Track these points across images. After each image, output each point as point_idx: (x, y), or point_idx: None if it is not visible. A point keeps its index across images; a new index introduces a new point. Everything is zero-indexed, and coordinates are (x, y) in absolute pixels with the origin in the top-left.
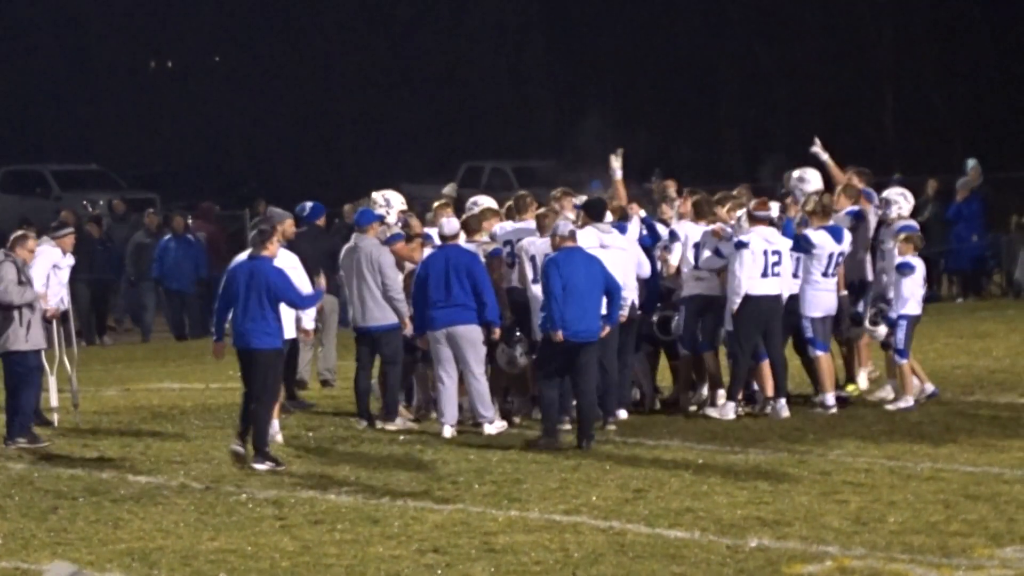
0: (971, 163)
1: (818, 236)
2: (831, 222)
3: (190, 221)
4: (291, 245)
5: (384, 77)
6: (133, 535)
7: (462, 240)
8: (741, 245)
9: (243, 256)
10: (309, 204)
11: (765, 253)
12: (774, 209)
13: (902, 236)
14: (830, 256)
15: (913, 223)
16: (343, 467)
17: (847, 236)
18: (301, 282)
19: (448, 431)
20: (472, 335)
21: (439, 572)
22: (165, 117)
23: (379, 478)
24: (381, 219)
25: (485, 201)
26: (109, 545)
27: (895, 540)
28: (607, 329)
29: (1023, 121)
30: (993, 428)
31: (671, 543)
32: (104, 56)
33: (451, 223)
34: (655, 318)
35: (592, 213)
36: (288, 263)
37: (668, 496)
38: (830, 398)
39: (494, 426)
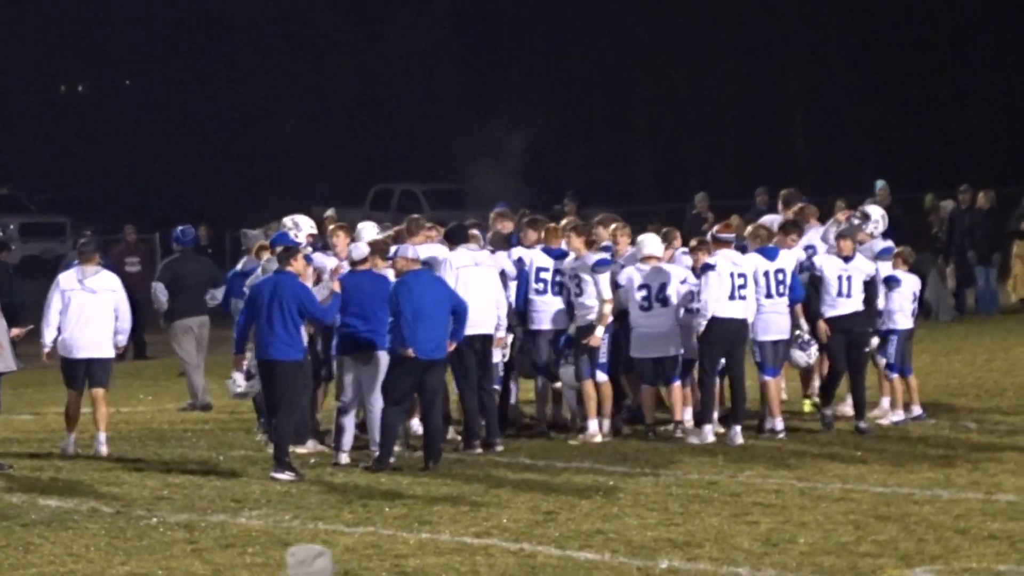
0: (880, 184)
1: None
2: (772, 244)
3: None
4: (173, 267)
5: (296, 99)
6: (44, 560)
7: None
8: (708, 267)
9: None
10: (181, 228)
11: (732, 276)
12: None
13: (895, 251)
14: (765, 275)
15: (890, 243)
16: (254, 490)
17: (784, 255)
18: (122, 304)
19: (344, 458)
20: (379, 361)
21: None
22: (77, 141)
23: (290, 501)
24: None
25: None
26: (19, 570)
27: (805, 561)
28: (453, 344)
29: (932, 142)
30: (902, 449)
31: (582, 565)
32: (14, 80)
33: (359, 248)
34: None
35: (454, 238)
36: (111, 285)
37: (579, 518)
38: (779, 423)
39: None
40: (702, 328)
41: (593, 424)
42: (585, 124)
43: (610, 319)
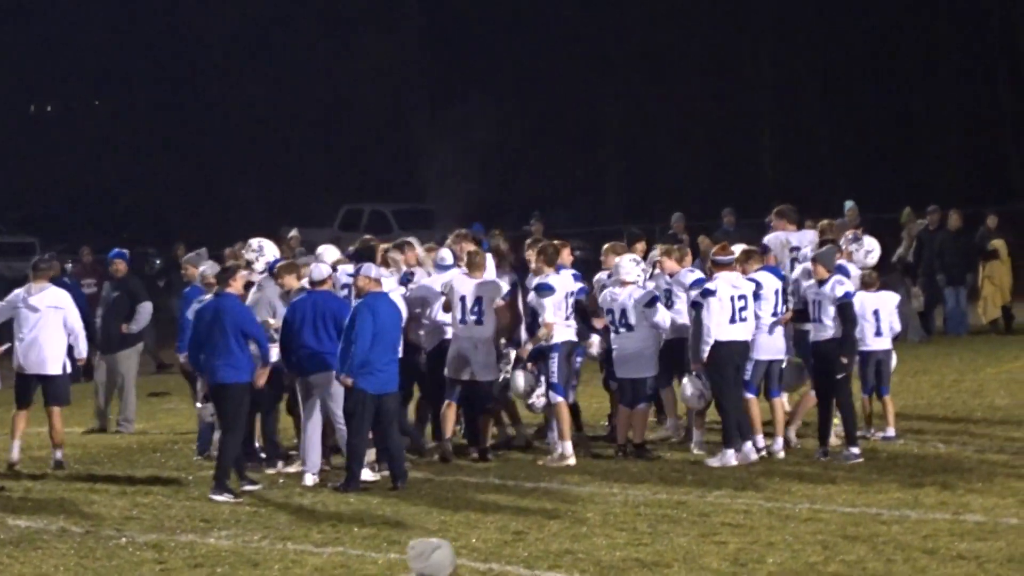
0: (848, 204)
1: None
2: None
3: (69, 265)
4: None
5: (266, 119)
6: None
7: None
8: (708, 293)
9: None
10: (116, 251)
11: (732, 299)
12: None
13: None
14: (742, 298)
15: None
16: (223, 510)
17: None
18: (71, 320)
19: (310, 479)
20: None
21: None
22: (46, 161)
23: (259, 521)
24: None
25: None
26: None
27: None
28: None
29: (901, 162)
30: (871, 469)
31: None
32: None
33: (319, 269)
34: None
35: (362, 261)
36: (56, 302)
37: (547, 538)
38: (759, 441)
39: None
40: (704, 355)
41: (566, 446)
42: (555, 144)
43: (555, 339)
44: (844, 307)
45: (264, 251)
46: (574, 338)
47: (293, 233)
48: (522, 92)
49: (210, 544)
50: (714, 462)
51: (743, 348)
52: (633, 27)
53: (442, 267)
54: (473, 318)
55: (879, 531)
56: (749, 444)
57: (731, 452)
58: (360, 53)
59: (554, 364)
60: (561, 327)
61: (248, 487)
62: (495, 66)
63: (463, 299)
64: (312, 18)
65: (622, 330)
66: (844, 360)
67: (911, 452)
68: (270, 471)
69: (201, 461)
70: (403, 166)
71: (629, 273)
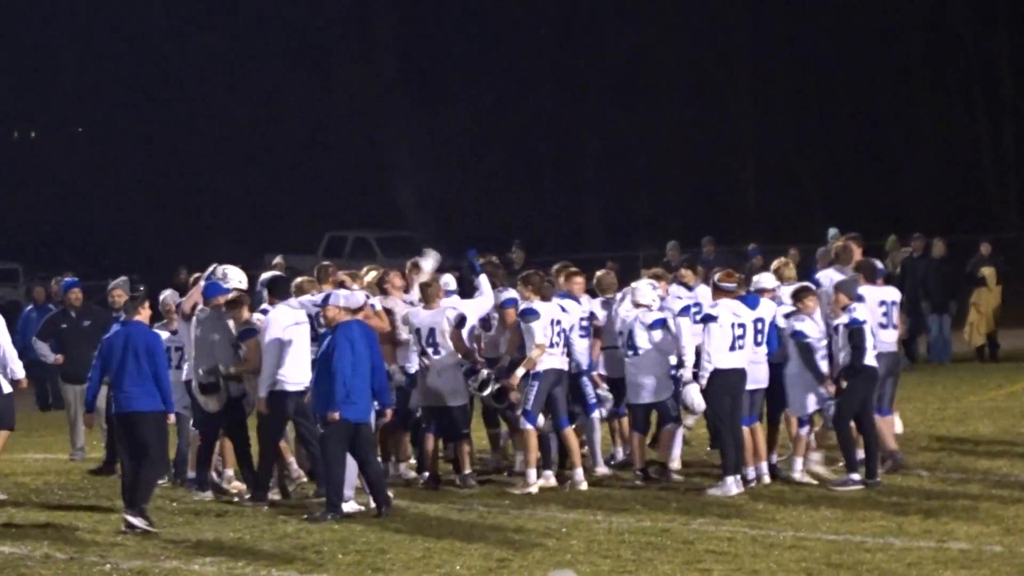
0: (832, 232)
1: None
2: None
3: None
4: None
5: (247, 147)
6: None
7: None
8: (710, 319)
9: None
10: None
11: (732, 326)
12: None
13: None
14: (741, 326)
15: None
16: (207, 536)
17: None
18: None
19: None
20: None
21: None
22: (29, 187)
23: (243, 548)
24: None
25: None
26: None
27: None
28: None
29: (883, 190)
30: (854, 497)
31: None
32: None
33: (355, 297)
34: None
35: (276, 292)
36: None
37: (531, 565)
38: (751, 472)
39: (350, 505)
40: (704, 382)
41: (531, 474)
42: (534, 172)
43: (539, 367)
44: (852, 333)
45: (229, 277)
46: (560, 367)
47: (277, 260)
48: (501, 122)
49: (194, 571)
50: (715, 491)
51: (740, 376)
52: (613, 56)
53: (448, 292)
54: (430, 349)
55: (863, 559)
56: (737, 477)
57: (731, 480)
58: (338, 82)
59: (532, 392)
60: (546, 355)
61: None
62: (473, 95)
63: (418, 332)
64: (290, 48)
65: (629, 352)
66: (843, 382)
67: (895, 480)
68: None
69: (175, 487)
70: (385, 195)
71: (644, 296)
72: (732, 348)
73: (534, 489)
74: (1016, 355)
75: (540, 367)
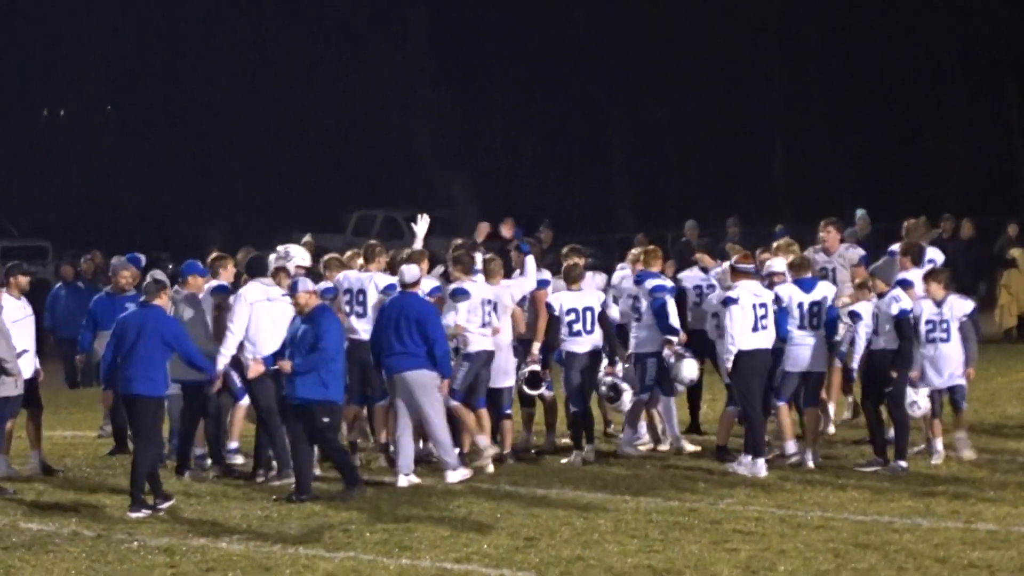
0: (860, 213)
1: (784, 290)
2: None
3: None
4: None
5: (277, 126)
6: None
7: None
8: (730, 301)
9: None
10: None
11: (753, 307)
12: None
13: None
14: (800, 306)
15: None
16: (234, 514)
17: (821, 286)
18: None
19: (403, 480)
20: (424, 380)
21: None
22: (59, 165)
23: (270, 526)
24: (204, 273)
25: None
26: None
27: None
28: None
29: (913, 171)
30: (882, 478)
31: None
32: None
33: (411, 271)
34: (525, 373)
35: (252, 271)
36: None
37: (559, 544)
38: (790, 446)
39: (455, 473)
40: (729, 364)
41: (480, 440)
42: (564, 153)
43: (471, 348)
44: (900, 324)
45: (292, 255)
46: (491, 348)
47: (306, 239)
48: (531, 103)
49: (222, 548)
50: (743, 470)
51: (766, 356)
52: (642, 39)
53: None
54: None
55: (891, 539)
56: (762, 460)
57: (761, 461)
58: (369, 64)
59: (461, 372)
60: (477, 336)
61: (163, 504)
62: (505, 76)
63: (482, 304)
64: (323, 29)
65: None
66: (894, 374)
67: (922, 461)
68: (259, 479)
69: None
70: (414, 174)
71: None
72: (755, 329)
73: (487, 461)
74: None
75: (471, 348)
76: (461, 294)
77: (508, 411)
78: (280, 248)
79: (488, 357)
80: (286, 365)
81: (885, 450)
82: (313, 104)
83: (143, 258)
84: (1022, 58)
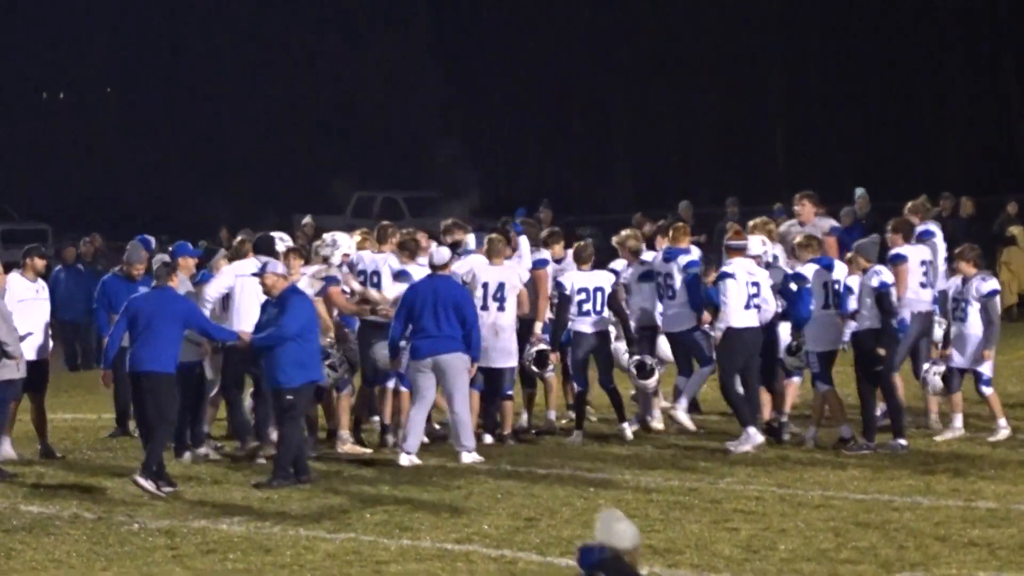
0: (859, 191)
1: (808, 269)
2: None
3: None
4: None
5: (276, 108)
6: (26, 565)
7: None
8: (726, 275)
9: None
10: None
11: (747, 284)
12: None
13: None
14: (755, 284)
15: None
16: (235, 496)
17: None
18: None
19: (405, 459)
20: (458, 363)
21: None
22: (59, 149)
23: (271, 507)
24: (199, 255)
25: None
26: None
27: (786, 567)
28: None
29: (912, 150)
30: (882, 456)
31: (563, 572)
32: None
33: (441, 253)
34: (532, 352)
35: (259, 250)
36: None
37: (559, 524)
38: (846, 430)
39: (471, 455)
40: (719, 338)
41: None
42: (565, 134)
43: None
44: (881, 297)
45: (339, 244)
46: None
47: (307, 220)
48: (532, 85)
49: (222, 530)
50: (735, 446)
51: (755, 335)
52: (642, 23)
53: (467, 252)
54: (495, 304)
55: (891, 518)
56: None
57: (752, 431)
58: (370, 46)
59: (405, 355)
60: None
61: (166, 489)
62: (505, 59)
63: (485, 286)
64: (324, 14)
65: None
66: (882, 352)
67: (922, 439)
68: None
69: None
70: (415, 155)
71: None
72: (747, 306)
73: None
74: None
75: (576, 328)
76: (403, 276)
77: (509, 392)
78: (327, 236)
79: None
80: (245, 336)
81: (874, 435)
82: (314, 87)
83: (153, 240)
84: (1021, 35)
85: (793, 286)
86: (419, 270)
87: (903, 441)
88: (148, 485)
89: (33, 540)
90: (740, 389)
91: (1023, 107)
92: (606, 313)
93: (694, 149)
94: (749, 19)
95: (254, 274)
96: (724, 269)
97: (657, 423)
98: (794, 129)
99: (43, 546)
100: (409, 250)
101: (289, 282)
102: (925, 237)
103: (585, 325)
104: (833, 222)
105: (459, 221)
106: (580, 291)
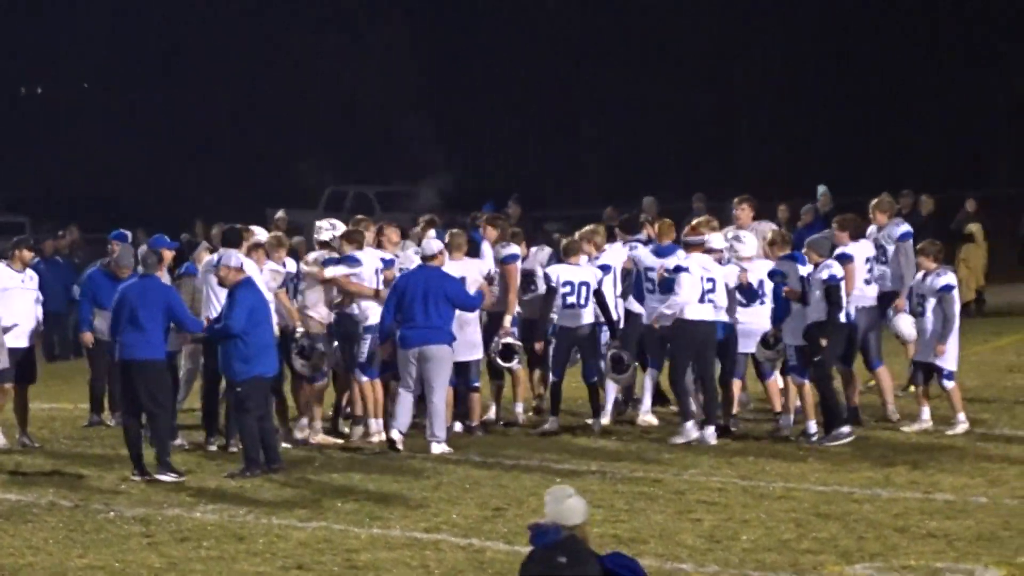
0: (821, 189)
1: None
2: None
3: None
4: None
5: (255, 101)
6: (3, 552)
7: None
8: (681, 269)
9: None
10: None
11: (701, 279)
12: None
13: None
14: (711, 280)
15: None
16: (209, 485)
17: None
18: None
19: (397, 434)
20: (444, 355)
21: None
22: (36, 143)
23: (244, 496)
24: (175, 247)
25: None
26: None
27: (748, 557)
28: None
29: (873, 148)
30: (842, 449)
31: None
32: None
33: (431, 244)
34: (498, 345)
35: (226, 242)
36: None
37: (526, 514)
38: (811, 425)
39: (441, 447)
40: (667, 320)
41: (372, 423)
42: (536, 131)
43: (369, 321)
44: (829, 290)
45: (337, 227)
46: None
47: (280, 214)
48: (504, 85)
49: (196, 519)
50: (678, 439)
51: (709, 330)
52: (610, 20)
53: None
54: None
55: (851, 509)
56: (712, 428)
57: (690, 425)
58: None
59: (365, 345)
60: (375, 308)
61: (138, 477)
62: (478, 61)
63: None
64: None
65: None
66: (824, 342)
67: (882, 433)
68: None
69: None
70: (387, 151)
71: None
72: (701, 300)
73: (375, 439)
74: (1002, 310)
75: (372, 320)
76: (353, 261)
77: (476, 384)
78: (324, 222)
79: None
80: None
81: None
82: (312, 82)
83: (129, 234)
84: (978, 34)
85: (768, 282)
86: (365, 255)
87: (846, 428)
88: (169, 477)
89: (11, 527)
90: (691, 383)
91: (981, 107)
92: (590, 308)
93: (661, 145)
94: (715, 20)
95: (213, 266)
96: (679, 263)
97: (647, 417)
98: (758, 126)
99: (20, 533)
100: (356, 241)
101: (243, 275)
102: (903, 239)
103: (567, 319)
104: (773, 225)
105: (435, 217)
106: (565, 284)
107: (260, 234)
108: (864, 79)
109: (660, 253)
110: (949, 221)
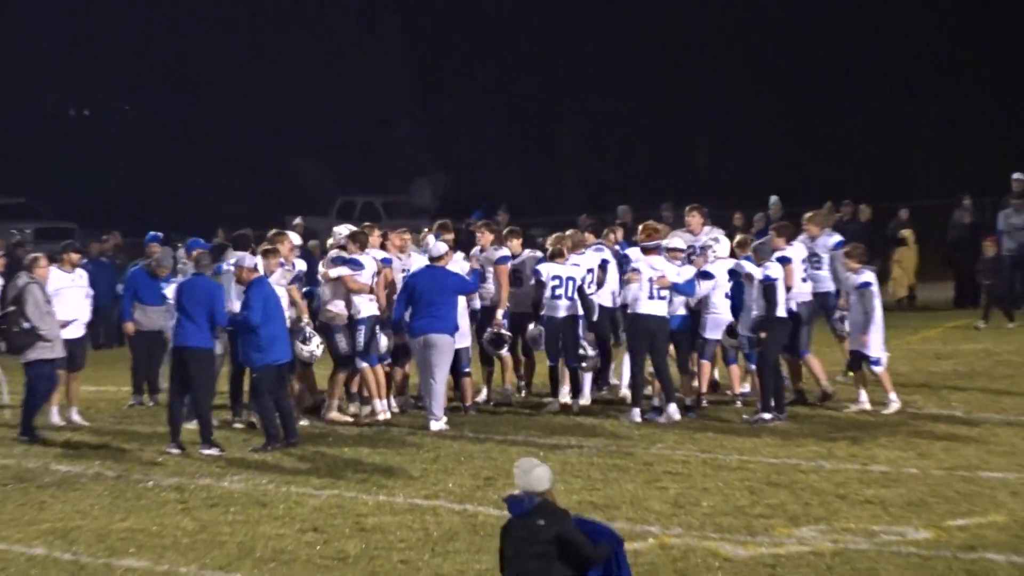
0: (773, 199)
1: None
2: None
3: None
4: None
5: (272, 121)
6: (55, 516)
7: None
8: (634, 271)
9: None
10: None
11: (650, 280)
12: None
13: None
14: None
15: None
16: (236, 458)
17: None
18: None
19: (436, 424)
20: (446, 343)
21: (318, 548)
22: (83, 157)
23: (267, 468)
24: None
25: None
26: (34, 525)
27: (708, 521)
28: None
29: (820, 161)
30: (791, 426)
31: None
32: (29, 104)
33: (438, 246)
34: (490, 334)
35: (236, 245)
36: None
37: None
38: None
39: (439, 424)
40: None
41: (377, 403)
42: (521, 143)
43: (363, 314)
44: (766, 289)
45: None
46: (378, 312)
47: (297, 221)
48: (494, 100)
49: (224, 487)
50: (624, 418)
51: (659, 323)
52: (588, 39)
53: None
54: None
55: (798, 479)
56: (674, 406)
57: (636, 411)
58: (352, 69)
59: (360, 336)
60: (366, 302)
61: (174, 450)
62: (466, 78)
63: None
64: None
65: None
66: (763, 335)
67: (826, 413)
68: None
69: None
70: (391, 163)
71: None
72: (651, 297)
73: (380, 416)
74: (930, 305)
75: (364, 313)
76: (355, 264)
77: (467, 369)
78: (341, 228)
79: (377, 320)
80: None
81: (782, 404)
82: (305, 102)
83: (162, 235)
84: (912, 59)
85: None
86: (366, 259)
87: (767, 415)
88: (212, 452)
89: (62, 494)
90: (647, 372)
91: (914, 128)
92: (576, 299)
93: (634, 156)
94: (677, 43)
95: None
96: (633, 265)
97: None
98: (719, 139)
99: (70, 500)
100: (359, 241)
101: (256, 274)
102: (838, 247)
103: (555, 310)
104: (720, 231)
105: (447, 223)
106: (554, 278)
107: (295, 238)
108: (812, 104)
109: (645, 251)
110: (885, 227)
